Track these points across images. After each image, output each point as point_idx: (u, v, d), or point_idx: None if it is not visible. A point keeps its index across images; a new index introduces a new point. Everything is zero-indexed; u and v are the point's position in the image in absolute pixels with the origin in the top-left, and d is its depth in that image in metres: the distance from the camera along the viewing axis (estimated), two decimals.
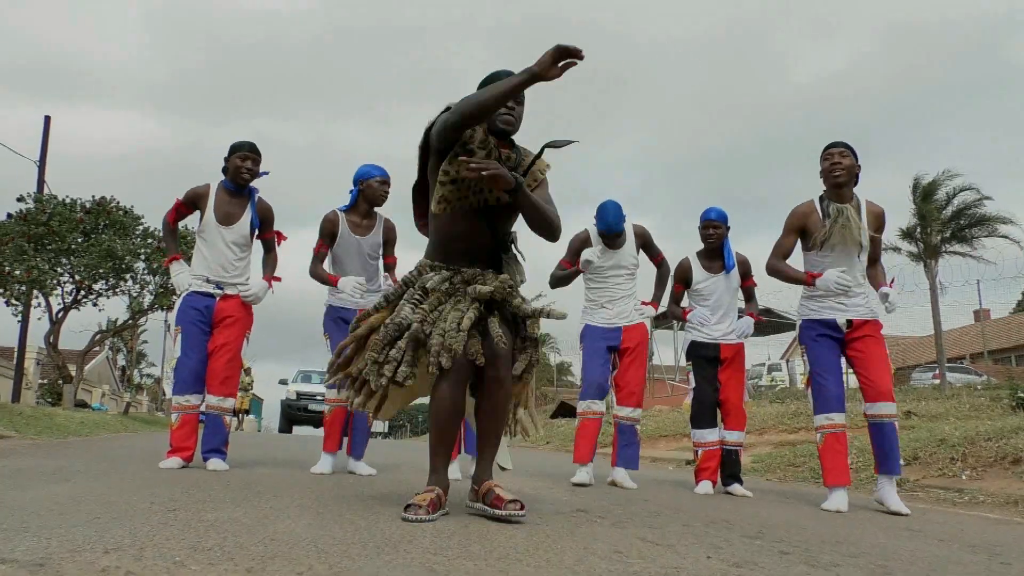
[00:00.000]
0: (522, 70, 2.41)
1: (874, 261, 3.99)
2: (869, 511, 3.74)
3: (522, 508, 2.44)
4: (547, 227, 2.68)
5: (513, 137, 2.76)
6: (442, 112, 2.65)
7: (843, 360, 3.91)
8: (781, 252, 3.97)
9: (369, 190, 4.31)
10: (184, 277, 4.10)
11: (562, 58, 2.35)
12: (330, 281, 4.27)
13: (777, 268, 3.97)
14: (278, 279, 4.36)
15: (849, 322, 3.83)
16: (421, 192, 2.87)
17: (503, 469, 4.01)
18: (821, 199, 3.88)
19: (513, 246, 2.78)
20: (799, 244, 3.97)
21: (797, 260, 4.01)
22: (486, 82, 2.69)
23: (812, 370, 3.92)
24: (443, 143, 2.61)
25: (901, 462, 3.86)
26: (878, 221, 3.89)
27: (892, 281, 3.97)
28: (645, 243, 4.76)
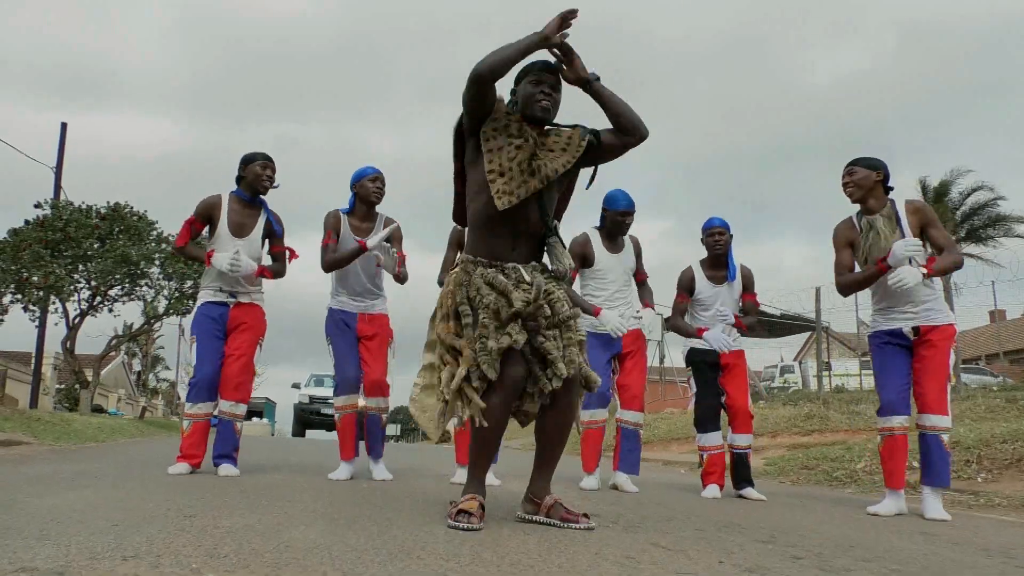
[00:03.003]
0: (531, 34, 2.57)
1: (940, 251, 3.80)
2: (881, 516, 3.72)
3: (589, 519, 2.52)
4: (632, 118, 2.65)
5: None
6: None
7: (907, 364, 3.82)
8: (843, 268, 3.92)
9: (362, 190, 4.28)
10: (223, 256, 4.02)
11: (564, 23, 2.55)
12: (353, 252, 4.15)
13: (846, 282, 3.91)
14: (268, 274, 4.28)
15: (916, 330, 3.77)
16: (461, 180, 2.86)
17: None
18: (859, 213, 3.90)
19: (556, 232, 2.76)
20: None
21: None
22: (526, 68, 2.74)
23: (874, 373, 3.95)
24: (468, 116, 2.69)
25: (949, 474, 3.74)
26: (920, 216, 3.76)
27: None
28: (637, 255, 4.71)
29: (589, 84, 2.65)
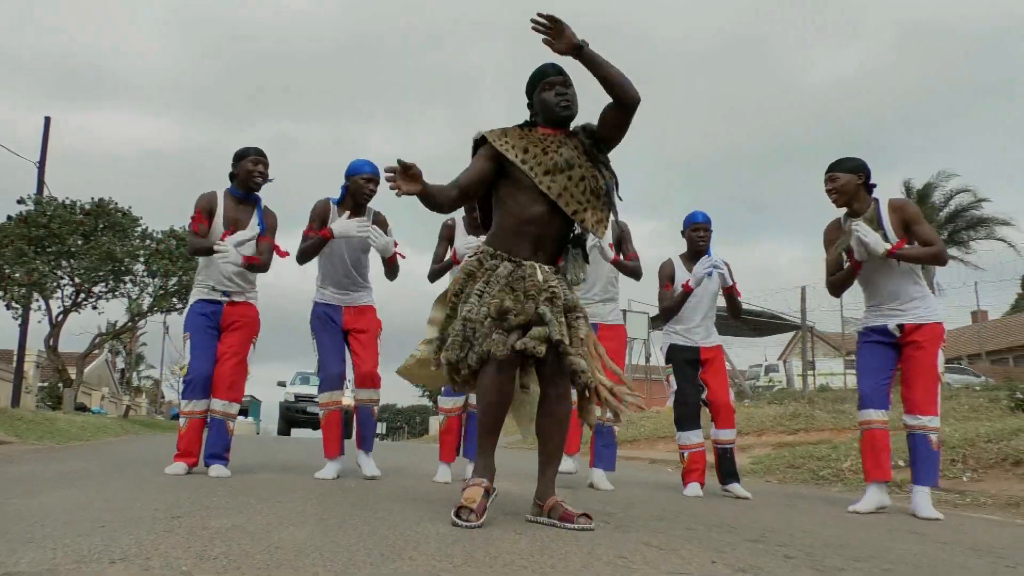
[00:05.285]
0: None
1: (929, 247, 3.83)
2: (871, 514, 3.74)
3: (591, 520, 2.50)
4: (624, 83, 2.64)
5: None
6: (477, 141, 2.83)
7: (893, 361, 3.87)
8: (829, 269, 4.02)
9: (354, 186, 4.19)
10: (230, 249, 3.91)
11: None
12: (318, 242, 4.08)
13: (833, 282, 4.01)
14: (255, 260, 4.09)
15: (900, 327, 3.81)
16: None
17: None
18: (845, 214, 3.93)
19: (582, 244, 2.83)
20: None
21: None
22: (533, 80, 2.83)
23: (856, 371, 3.98)
24: None
25: (937, 474, 3.79)
26: (899, 214, 3.79)
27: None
28: (621, 238, 4.55)
29: (580, 50, 2.61)
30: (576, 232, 2.82)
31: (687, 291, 4.45)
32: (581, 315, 2.72)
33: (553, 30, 2.60)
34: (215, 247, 3.91)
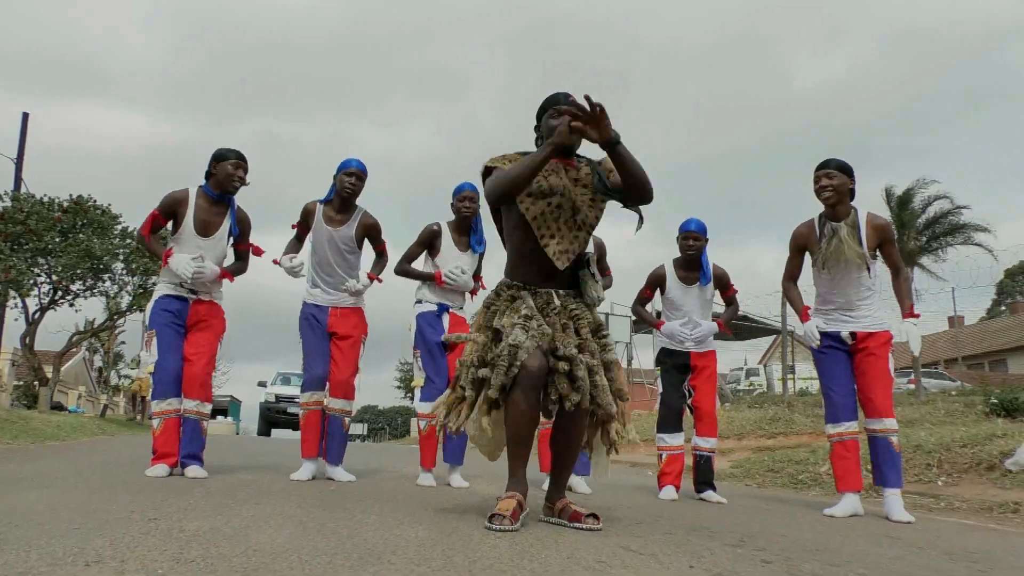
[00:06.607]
0: (545, 143, 2.68)
1: (895, 272, 4.00)
2: (848, 519, 3.77)
3: (599, 520, 2.63)
4: (644, 182, 2.69)
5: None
6: (484, 172, 2.85)
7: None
8: (789, 273, 4.19)
9: (338, 183, 4.21)
10: (182, 259, 3.90)
11: (575, 129, 2.60)
12: (285, 269, 4.17)
13: (787, 295, 4.25)
14: (230, 278, 4.16)
15: (853, 335, 3.91)
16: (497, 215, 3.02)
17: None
18: (821, 217, 3.98)
19: (588, 264, 2.87)
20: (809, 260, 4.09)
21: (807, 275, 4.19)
22: (544, 106, 2.85)
23: (820, 381, 4.06)
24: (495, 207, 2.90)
25: (900, 475, 3.87)
26: (880, 234, 3.88)
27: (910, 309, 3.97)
28: (598, 255, 4.53)
29: (614, 145, 2.61)
30: (583, 255, 2.86)
31: (656, 327, 4.68)
32: (606, 337, 2.84)
33: (592, 118, 2.56)
34: (194, 271, 3.92)
